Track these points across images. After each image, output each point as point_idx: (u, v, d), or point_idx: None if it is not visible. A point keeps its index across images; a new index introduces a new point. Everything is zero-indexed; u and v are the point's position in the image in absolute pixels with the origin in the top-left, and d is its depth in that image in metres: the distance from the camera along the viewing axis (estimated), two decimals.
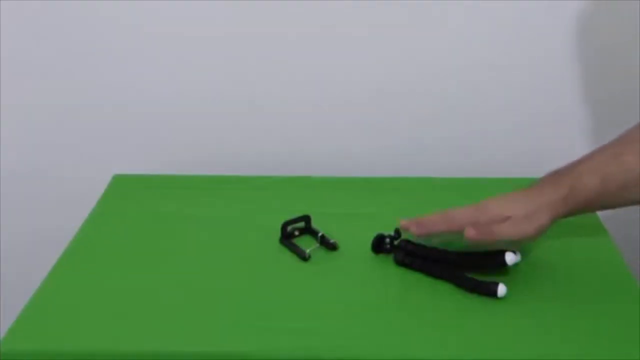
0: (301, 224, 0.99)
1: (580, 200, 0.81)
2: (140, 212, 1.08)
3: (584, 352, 0.77)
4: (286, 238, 0.98)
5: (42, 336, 0.82)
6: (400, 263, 0.91)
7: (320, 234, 0.96)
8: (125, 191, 1.14)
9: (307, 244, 0.96)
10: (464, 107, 1.20)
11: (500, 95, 1.19)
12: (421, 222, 0.85)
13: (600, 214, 1.03)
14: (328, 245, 0.95)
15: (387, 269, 0.92)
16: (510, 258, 0.85)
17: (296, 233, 0.99)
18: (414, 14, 1.13)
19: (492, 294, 0.84)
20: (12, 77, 1.20)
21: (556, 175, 0.82)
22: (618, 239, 0.98)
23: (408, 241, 0.92)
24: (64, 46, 1.18)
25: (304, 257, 0.94)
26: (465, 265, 0.89)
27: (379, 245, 0.93)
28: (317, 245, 0.96)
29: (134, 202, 1.10)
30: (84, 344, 0.81)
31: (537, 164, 1.21)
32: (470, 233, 0.79)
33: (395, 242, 0.92)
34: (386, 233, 0.93)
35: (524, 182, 1.13)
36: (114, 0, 1.13)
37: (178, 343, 0.80)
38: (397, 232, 0.92)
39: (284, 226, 0.98)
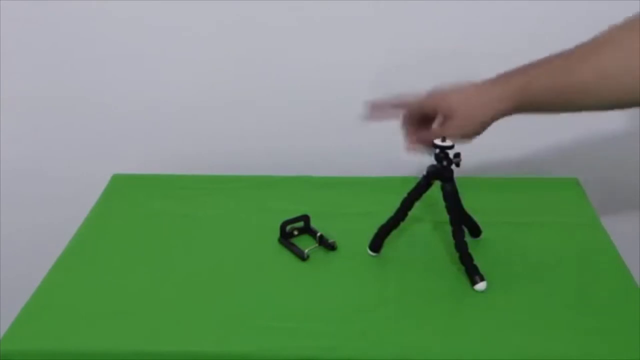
0: (300, 224, 0.99)
1: (526, 101, 0.82)
2: (139, 211, 1.08)
3: (584, 352, 0.77)
4: (285, 238, 0.98)
5: (42, 336, 0.83)
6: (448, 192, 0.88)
7: (319, 234, 0.96)
8: (125, 191, 1.14)
9: (306, 244, 0.96)
10: None
11: None
12: (372, 102, 0.88)
13: (600, 213, 1.04)
14: (327, 245, 0.95)
15: (385, 269, 0.92)
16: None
17: (295, 233, 0.99)
18: (414, 11, 1.13)
19: (472, 282, 0.87)
20: (13, 77, 1.20)
21: (509, 75, 0.83)
22: (618, 239, 0.98)
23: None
24: (65, 46, 1.18)
25: (302, 257, 0.94)
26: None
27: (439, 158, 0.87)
28: (316, 245, 0.96)
29: (133, 202, 1.10)
30: (83, 343, 0.81)
31: (536, 164, 1.22)
32: (408, 144, 0.88)
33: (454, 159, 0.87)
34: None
35: (523, 182, 1.14)
36: (115, 1, 1.13)
37: (177, 343, 0.81)
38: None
39: (283, 226, 0.98)
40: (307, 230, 0.99)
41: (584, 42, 0.81)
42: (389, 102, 0.89)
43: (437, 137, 0.86)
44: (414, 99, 0.87)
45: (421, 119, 0.88)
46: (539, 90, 0.81)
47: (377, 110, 0.89)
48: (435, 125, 0.87)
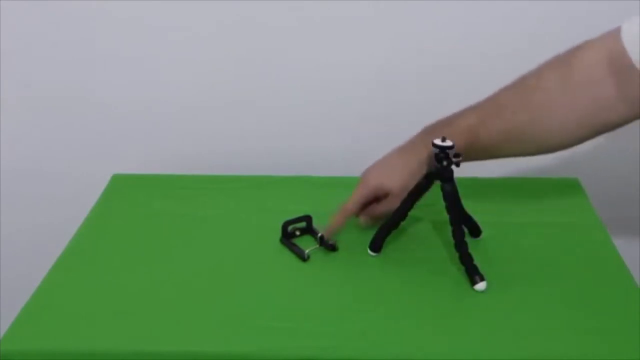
0: (302, 224, 0.99)
1: None
2: (139, 211, 1.08)
3: (583, 352, 0.77)
4: (287, 238, 0.98)
5: (42, 336, 0.83)
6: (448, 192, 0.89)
7: (319, 235, 0.96)
8: (125, 191, 1.14)
9: (308, 244, 0.96)
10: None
11: None
12: (328, 228, 0.95)
13: (600, 213, 1.03)
14: (327, 246, 0.95)
15: (385, 269, 0.92)
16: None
17: (297, 233, 0.99)
18: (414, 11, 1.13)
19: (472, 282, 0.86)
20: (13, 77, 1.20)
21: (430, 133, 0.89)
22: (618, 239, 0.98)
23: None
24: (65, 46, 1.18)
25: (303, 258, 0.94)
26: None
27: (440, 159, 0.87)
28: (317, 245, 0.96)
29: (133, 202, 1.10)
30: (83, 343, 0.81)
31: (536, 165, 1.21)
32: (362, 222, 0.97)
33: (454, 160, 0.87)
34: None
35: (523, 182, 1.14)
36: (115, 1, 1.13)
37: (177, 343, 0.81)
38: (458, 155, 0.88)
39: (285, 226, 0.98)
40: (310, 230, 0.99)
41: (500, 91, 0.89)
42: (336, 220, 0.95)
43: (386, 212, 0.94)
44: (356, 199, 0.95)
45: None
46: (458, 146, 0.87)
47: (330, 231, 0.96)
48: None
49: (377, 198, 0.95)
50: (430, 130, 0.92)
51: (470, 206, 0.95)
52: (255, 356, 0.79)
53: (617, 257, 0.93)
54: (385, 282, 0.90)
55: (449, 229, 0.89)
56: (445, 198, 0.88)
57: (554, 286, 0.88)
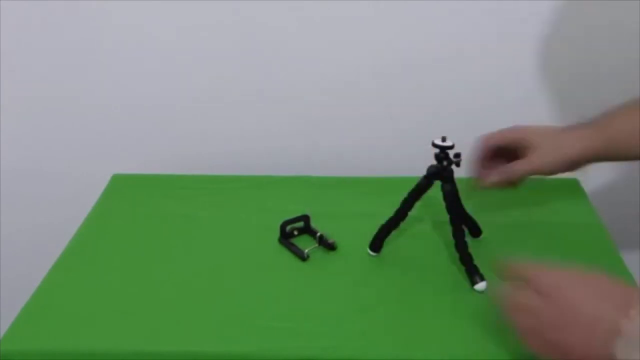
0: (300, 224, 0.99)
1: (611, 138, 0.85)
2: (139, 211, 1.08)
3: None
4: (285, 238, 0.98)
5: (42, 336, 0.83)
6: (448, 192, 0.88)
7: (318, 234, 0.96)
8: (125, 191, 1.14)
9: (306, 244, 0.96)
10: (465, 107, 1.20)
11: (502, 94, 1.18)
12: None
13: (600, 213, 1.04)
14: (327, 245, 0.95)
15: (385, 269, 0.92)
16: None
17: (295, 233, 0.99)
18: (414, 11, 1.13)
19: (472, 282, 0.87)
20: (13, 77, 1.20)
21: (592, 119, 0.85)
22: (618, 239, 0.98)
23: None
24: (65, 46, 1.18)
25: (302, 257, 0.94)
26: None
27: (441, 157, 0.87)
28: (316, 245, 0.96)
29: (133, 202, 1.10)
30: (83, 343, 0.81)
31: None
32: (491, 180, 0.88)
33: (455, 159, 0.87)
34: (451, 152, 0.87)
35: (523, 182, 1.14)
36: (114, 1, 1.13)
37: (177, 343, 0.81)
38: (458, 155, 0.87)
39: (283, 226, 0.98)
40: (307, 230, 0.99)
41: None
42: (481, 154, 0.90)
43: (521, 172, 0.89)
44: (495, 134, 0.88)
45: (495, 156, 0.91)
46: (621, 126, 0.83)
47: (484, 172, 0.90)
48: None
49: (514, 151, 0.89)
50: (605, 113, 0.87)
51: (470, 206, 0.95)
52: (255, 356, 0.79)
53: (617, 257, 0.93)
54: (385, 282, 0.90)
55: (449, 229, 0.89)
56: (445, 198, 0.88)
57: None
